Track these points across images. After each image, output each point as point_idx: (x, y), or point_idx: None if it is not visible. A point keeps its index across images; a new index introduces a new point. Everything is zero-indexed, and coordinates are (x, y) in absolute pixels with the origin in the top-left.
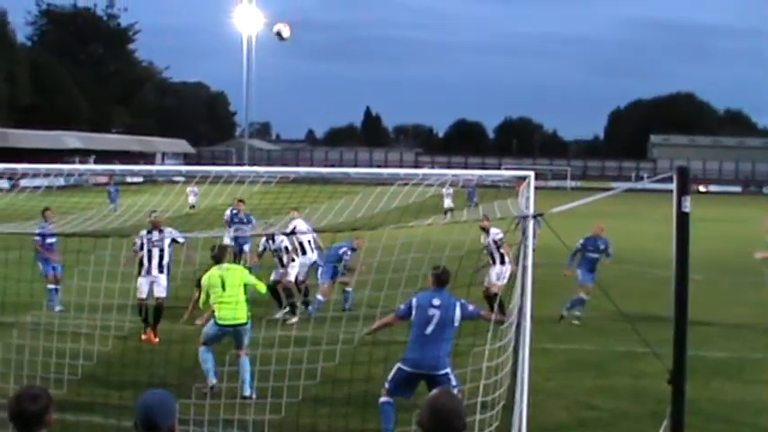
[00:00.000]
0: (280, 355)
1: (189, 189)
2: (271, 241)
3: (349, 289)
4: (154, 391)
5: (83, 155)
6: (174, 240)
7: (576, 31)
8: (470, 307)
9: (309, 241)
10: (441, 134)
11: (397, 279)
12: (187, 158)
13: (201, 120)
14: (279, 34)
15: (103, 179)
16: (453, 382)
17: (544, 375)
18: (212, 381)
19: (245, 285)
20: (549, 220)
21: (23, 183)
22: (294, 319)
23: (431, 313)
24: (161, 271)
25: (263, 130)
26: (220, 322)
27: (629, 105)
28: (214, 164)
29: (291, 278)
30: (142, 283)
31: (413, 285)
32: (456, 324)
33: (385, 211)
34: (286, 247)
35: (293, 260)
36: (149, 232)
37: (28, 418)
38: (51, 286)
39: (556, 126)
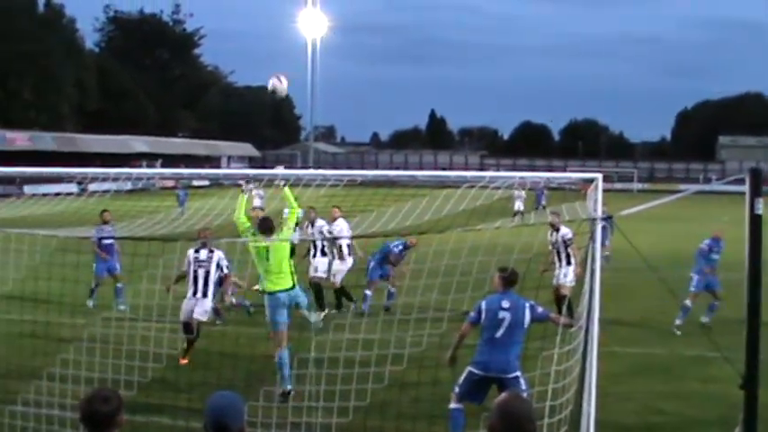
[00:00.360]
0: (347, 358)
1: (255, 192)
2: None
3: (393, 289)
4: (223, 393)
5: (149, 159)
6: (218, 265)
7: (642, 32)
8: (539, 309)
9: (349, 245)
10: (506, 136)
11: (464, 282)
12: (252, 162)
13: (266, 123)
14: (273, 92)
15: (170, 183)
16: (523, 386)
17: (612, 379)
18: (287, 387)
19: (291, 254)
20: (616, 222)
21: (92, 187)
22: (321, 315)
23: (501, 316)
24: (204, 295)
25: (327, 134)
26: (270, 289)
27: (697, 106)
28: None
29: (320, 274)
30: (186, 305)
31: (480, 289)
32: (526, 326)
33: (452, 215)
34: (323, 237)
35: (324, 254)
36: (197, 251)
37: (99, 419)
38: (94, 286)
39: (622, 128)
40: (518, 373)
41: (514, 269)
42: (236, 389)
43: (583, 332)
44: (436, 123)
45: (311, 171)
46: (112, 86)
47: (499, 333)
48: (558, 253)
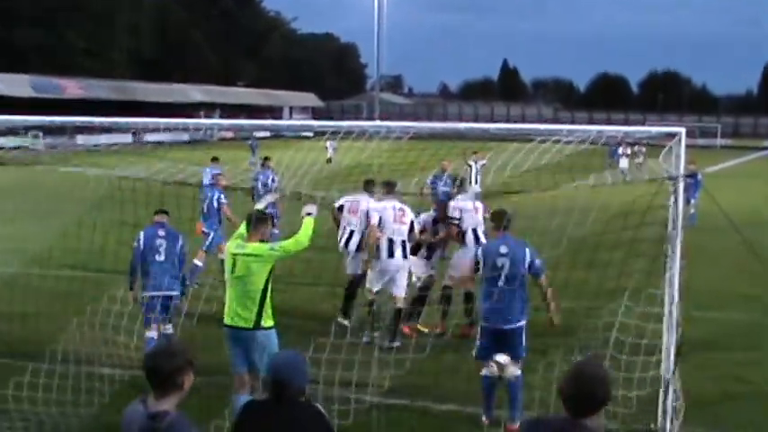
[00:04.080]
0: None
1: (328, 143)
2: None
3: None
4: (285, 352)
5: (208, 109)
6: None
7: None
8: (537, 261)
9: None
10: (581, 88)
11: (540, 244)
12: (315, 113)
13: (330, 73)
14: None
15: (229, 134)
16: (522, 342)
17: (689, 345)
18: None
19: (264, 269)
20: (703, 180)
21: (148, 137)
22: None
23: (500, 263)
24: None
25: (394, 84)
26: (225, 321)
27: None
28: (343, 118)
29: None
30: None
31: (557, 248)
32: (524, 273)
33: (533, 170)
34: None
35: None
36: None
37: (160, 377)
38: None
39: (705, 80)
40: (521, 324)
41: (504, 209)
42: (288, 346)
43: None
44: (508, 74)
45: (377, 123)
46: (170, 33)
47: (500, 282)
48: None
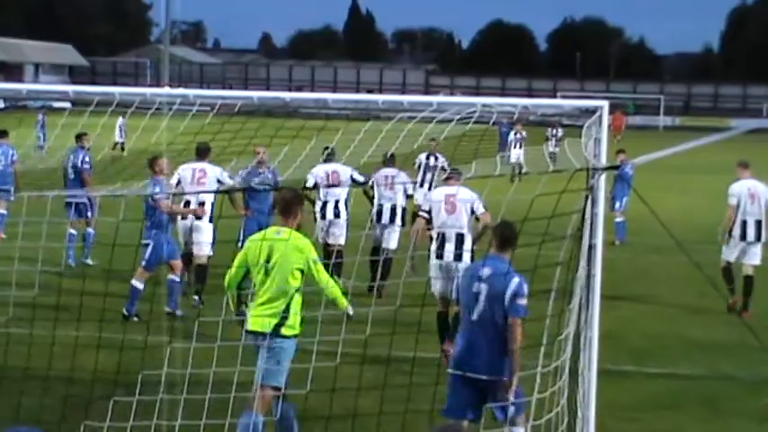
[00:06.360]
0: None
1: (120, 120)
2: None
3: None
4: (20, 429)
5: None
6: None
7: None
8: (522, 300)
9: None
10: (465, 44)
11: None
12: (75, 73)
13: (97, 16)
14: None
15: None
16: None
17: (622, 414)
18: None
19: (301, 265)
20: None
21: None
22: None
23: (476, 289)
24: None
25: (193, 34)
26: (250, 328)
27: (761, 1)
28: (117, 83)
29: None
30: None
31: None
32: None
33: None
34: None
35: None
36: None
37: None
38: None
39: (643, 32)
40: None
41: (509, 223)
42: (44, 423)
43: (571, 339)
44: (360, 23)
45: (165, 90)
46: None
47: (475, 315)
48: None
